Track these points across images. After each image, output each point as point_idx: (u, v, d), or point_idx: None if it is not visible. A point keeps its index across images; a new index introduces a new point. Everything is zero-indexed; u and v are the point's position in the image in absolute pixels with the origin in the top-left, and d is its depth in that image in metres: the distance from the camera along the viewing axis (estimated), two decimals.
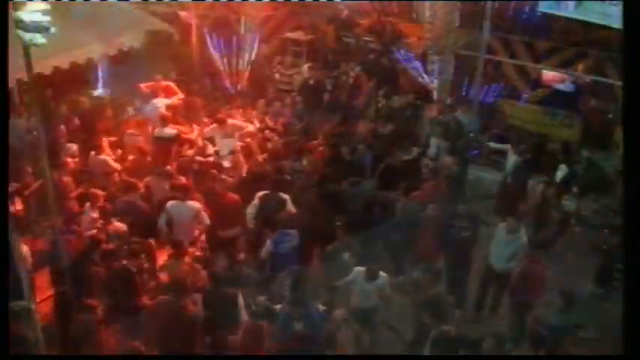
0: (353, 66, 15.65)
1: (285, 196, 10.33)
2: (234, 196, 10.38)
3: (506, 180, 12.51)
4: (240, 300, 8.24)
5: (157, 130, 12.46)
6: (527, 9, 14.78)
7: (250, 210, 10.34)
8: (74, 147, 11.95)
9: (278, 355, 7.52)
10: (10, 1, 4.78)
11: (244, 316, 8.24)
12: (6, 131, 4.99)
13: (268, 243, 9.62)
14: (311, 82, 14.78)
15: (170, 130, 12.37)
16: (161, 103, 13.32)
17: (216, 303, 8.16)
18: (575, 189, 12.84)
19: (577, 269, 11.06)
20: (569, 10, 13.47)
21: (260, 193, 10.35)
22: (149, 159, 11.90)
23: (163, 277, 9.18)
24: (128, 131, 12.50)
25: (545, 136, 14.64)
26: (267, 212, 10.10)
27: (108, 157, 11.74)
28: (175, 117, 13.09)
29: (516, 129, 14.80)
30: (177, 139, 12.38)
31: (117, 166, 11.56)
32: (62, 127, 12.30)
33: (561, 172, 12.12)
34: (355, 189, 10.95)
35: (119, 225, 9.34)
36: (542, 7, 13.77)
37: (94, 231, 9.20)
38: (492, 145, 13.49)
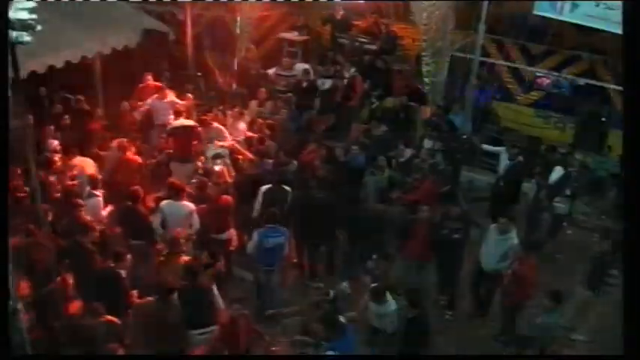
0: (348, 67, 15.64)
1: (288, 189, 10.47)
2: (228, 198, 10.38)
3: (499, 182, 12.51)
4: (215, 289, 8.27)
5: (175, 122, 12.62)
6: (522, 12, 14.77)
7: (256, 207, 10.40)
8: (55, 143, 11.87)
9: (278, 355, 7.51)
10: (10, 1, 4.78)
11: (220, 304, 8.27)
12: (6, 131, 4.97)
13: (254, 236, 9.58)
14: (305, 84, 14.80)
15: (188, 121, 12.60)
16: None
17: (191, 297, 8.09)
18: (567, 191, 12.86)
19: (568, 271, 11.11)
20: (564, 14, 13.52)
21: (263, 188, 10.41)
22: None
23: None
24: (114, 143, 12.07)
25: (538, 138, 14.69)
26: (272, 205, 10.05)
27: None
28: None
29: (510, 131, 14.85)
30: (194, 129, 12.50)
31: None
32: (51, 126, 12.21)
33: (556, 173, 12.10)
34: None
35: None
36: (537, 10, 13.77)
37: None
38: (485, 147, 13.50)
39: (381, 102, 15.23)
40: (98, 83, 14.27)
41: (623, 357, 5.31)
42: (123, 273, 8.38)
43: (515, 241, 9.60)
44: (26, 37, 4.95)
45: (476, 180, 14.08)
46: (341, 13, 16.74)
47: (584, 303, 9.89)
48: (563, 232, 12.53)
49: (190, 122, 12.65)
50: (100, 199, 10.54)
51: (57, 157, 11.22)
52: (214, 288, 8.28)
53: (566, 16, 13.52)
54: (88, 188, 10.52)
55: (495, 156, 12.97)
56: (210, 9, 16.89)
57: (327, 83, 15.03)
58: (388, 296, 8.50)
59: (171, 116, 12.90)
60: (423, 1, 13.64)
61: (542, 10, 13.75)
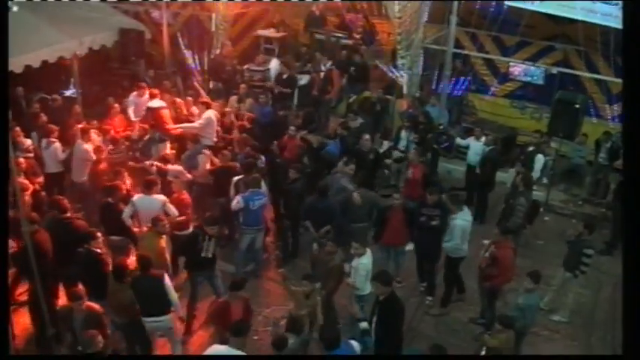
0: (325, 62, 15.72)
1: (259, 177, 10.64)
2: (185, 196, 10.47)
3: (474, 170, 12.68)
4: (167, 280, 8.26)
5: (149, 103, 13.19)
6: (494, 3, 14.94)
7: (232, 195, 10.58)
8: (28, 142, 11.87)
9: (278, 355, 7.47)
10: (10, 1, 4.78)
11: (174, 296, 8.29)
12: (7, 131, 4.96)
13: (239, 198, 10.19)
14: (284, 76, 14.87)
15: (159, 102, 13.22)
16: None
17: (143, 286, 8.15)
18: (544, 179, 13.02)
19: (547, 257, 11.24)
20: (535, 4, 13.69)
21: (235, 179, 10.65)
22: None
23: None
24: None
25: (513, 128, 14.86)
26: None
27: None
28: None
29: (485, 122, 15.00)
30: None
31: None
32: (17, 128, 12.08)
33: (539, 162, 12.26)
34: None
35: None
36: (509, 1, 13.93)
37: None
38: (459, 140, 13.59)
39: (358, 95, 15.35)
40: (76, 83, 14.22)
41: (623, 357, 5.37)
42: (100, 251, 8.49)
43: (460, 221, 9.73)
44: None
45: (454, 170, 14.24)
46: (316, 9, 16.84)
47: (562, 285, 10.04)
48: (542, 219, 12.70)
49: (161, 103, 13.23)
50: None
51: (22, 159, 11.11)
52: (166, 278, 8.26)
53: (538, 6, 13.71)
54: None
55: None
56: (186, 7, 16.92)
57: (304, 79, 15.11)
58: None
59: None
60: None
61: (514, 0, 13.92)
